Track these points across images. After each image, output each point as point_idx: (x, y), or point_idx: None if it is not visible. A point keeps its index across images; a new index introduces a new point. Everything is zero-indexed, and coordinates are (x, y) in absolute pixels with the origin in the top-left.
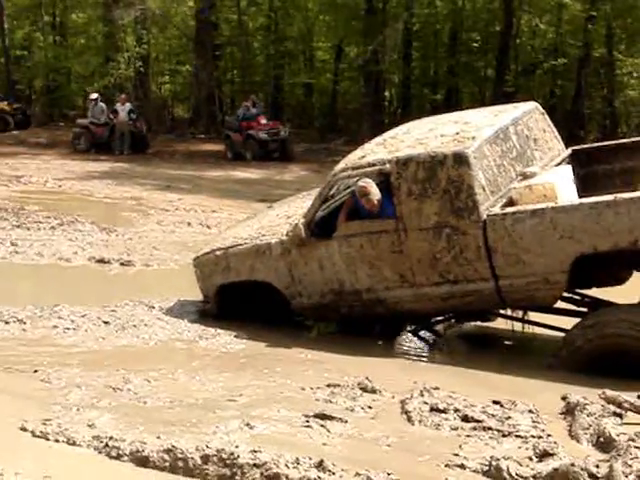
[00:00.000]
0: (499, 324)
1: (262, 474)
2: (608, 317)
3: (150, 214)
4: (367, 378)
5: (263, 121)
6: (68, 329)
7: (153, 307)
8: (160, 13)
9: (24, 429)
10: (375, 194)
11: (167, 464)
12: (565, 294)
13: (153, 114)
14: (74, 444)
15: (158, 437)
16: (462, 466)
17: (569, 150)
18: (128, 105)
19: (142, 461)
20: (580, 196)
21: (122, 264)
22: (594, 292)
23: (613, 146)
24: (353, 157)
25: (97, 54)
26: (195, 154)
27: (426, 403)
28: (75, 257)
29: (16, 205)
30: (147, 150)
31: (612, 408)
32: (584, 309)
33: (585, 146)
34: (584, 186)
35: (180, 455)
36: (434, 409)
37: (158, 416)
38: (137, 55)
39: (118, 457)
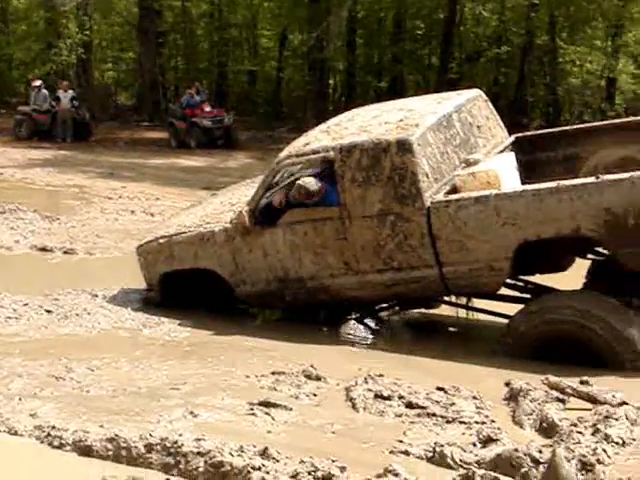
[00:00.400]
0: (443, 311)
1: (206, 462)
2: (551, 303)
3: (93, 202)
4: (312, 365)
5: (207, 109)
6: (10, 318)
7: (96, 295)
8: None
9: None
10: (315, 194)
11: (110, 453)
12: (509, 281)
13: (96, 101)
14: (16, 434)
15: (101, 426)
16: (406, 452)
17: (512, 137)
18: (70, 92)
19: (85, 450)
20: (523, 183)
21: (65, 252)
22: (537, 279)
23: (556, 133)
24: (297, 144)
25: (38, 40)
26: (139, 142)
27: (370, 390)
28: (17, 245)
29: None
30: (90, 138)
31: (555, 394)
32: (528, 295)
33: (528, 133)
34: (527, 173)
35: (123, 444)
36: (378, 396)
37: (101, 405)
38: (79, 42)
39: (60, 447)
